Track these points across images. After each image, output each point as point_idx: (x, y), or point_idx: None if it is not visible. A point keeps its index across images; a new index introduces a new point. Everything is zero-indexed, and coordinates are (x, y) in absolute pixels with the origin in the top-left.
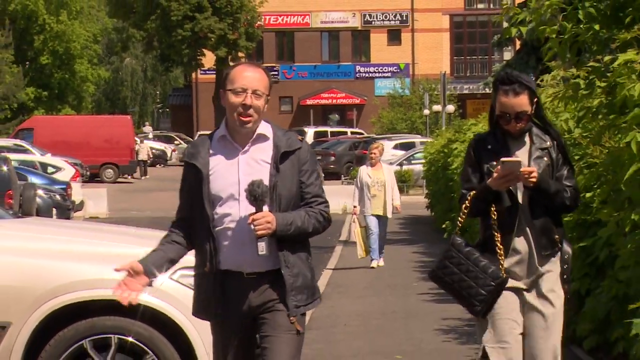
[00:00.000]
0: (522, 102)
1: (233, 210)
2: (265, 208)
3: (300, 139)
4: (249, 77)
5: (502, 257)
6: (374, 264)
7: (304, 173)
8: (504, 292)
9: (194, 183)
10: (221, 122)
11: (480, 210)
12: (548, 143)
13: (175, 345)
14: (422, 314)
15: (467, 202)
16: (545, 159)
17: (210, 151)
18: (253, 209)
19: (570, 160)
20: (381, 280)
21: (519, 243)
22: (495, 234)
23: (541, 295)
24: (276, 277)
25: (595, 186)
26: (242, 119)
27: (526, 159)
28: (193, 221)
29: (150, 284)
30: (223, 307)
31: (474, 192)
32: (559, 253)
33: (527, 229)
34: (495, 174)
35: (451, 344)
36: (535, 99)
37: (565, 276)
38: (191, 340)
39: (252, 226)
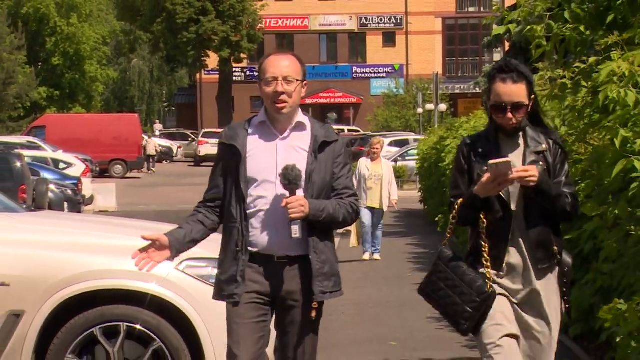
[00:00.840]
0: (519, 91)
1: (268, 193)
2: (299, 192)
3: (338, 132)
4: (278, 65)
5: (489, 270)
6: (365, 256)
7: (337, 165)
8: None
9: (231, 164)
10: (260, 110)
11: (469, 219)
12: (544, 146)
13: (182, 332)
14: (415, 303)
15: (454, 211)
16: (541, 163)
17: (249, 135)
18: (287, 194)
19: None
20: (376, 271)
21: (513, 255)
22: (483, 243)
23: (538, 315)
24: (305, 263)
25: (580, 181)
26: (277, 105)
27: (519, 162)
28: (223, 202)
29: (171, 259)
30: (245, 289)
31: (461, 200)
32: (557, 266)
33: (521, 239)
34: (483, 179)
35: (443, 331)
36: (533, 96)
37: (564, 291)
38: (196, 328)
39: (286, 209)
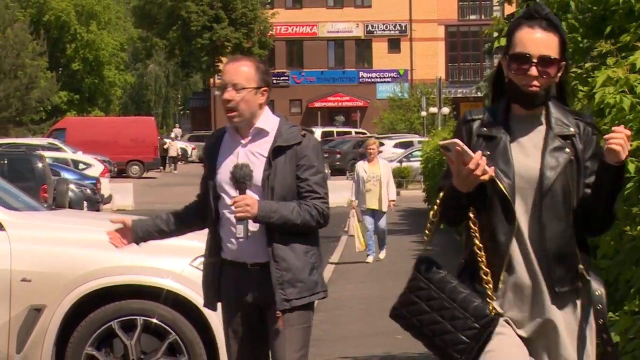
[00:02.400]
0: (550, 42)
1: (230, 200)
2: (249, 192)
3: (303, 134)
4: (228, 72)
5: (490, 285)
6: (369, 259)
7: (299, 168)
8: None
9: (207, 174)
10: None
11: (452, 219)
12: (572, 129)
13: (196, 326)
14: None
15: (435, 206)
16: (568, 150)
17: (223, 142)
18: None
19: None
20: (382, 268)
21: (519, 272)
22: (478, 252)
23: (557, 356)
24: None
25: None
26: (228, 114)
27: (539, 149)
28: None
29: (132, 241)
30: (227, 297)
31: (442, 193)
32: (581, 291)
33: (532, 252)
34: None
35: None
36: (564, 62)
37: (601, 323)
38: (210, 322)
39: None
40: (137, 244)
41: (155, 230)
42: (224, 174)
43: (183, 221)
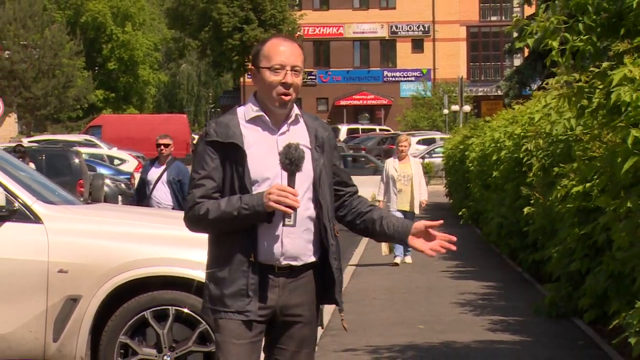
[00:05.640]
0: None
1: None
2: (299, 176)
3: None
4: (286, 53)
5: None
6: (397, 260)
7: (336, 158)
8: None
9: (229, 164)
10: (247, 101)
11: None
12: None
13: None
14: (441, 289)
15: None
16: None
17: (243, 131)
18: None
19: None
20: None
21: None
22: None
23: None
24: (317, 271)
25: (595, 177)
26: (284, 98)
27: None
28: None
29: None
30: (256, 304)
31: None
32: None
33: None
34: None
35: (467, 315)
36: None
37: None
38: None
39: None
40: None
41: None
42: (267, 168)
43: None
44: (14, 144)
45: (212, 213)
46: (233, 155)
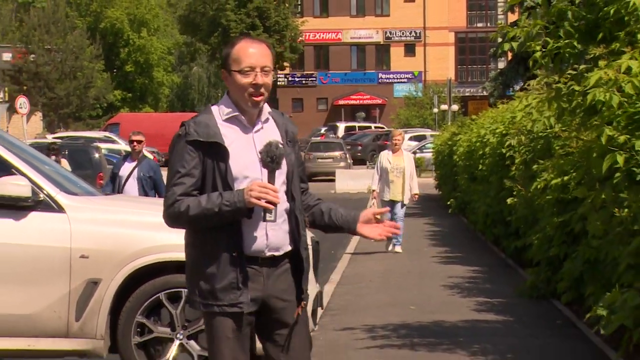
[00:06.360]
0: None
1: None
2: (278, 173)
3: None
4: (255, 54)
5: None
6: (397, 248)
7: (298, 151)
8: None
9: (212, 162)
10: (220, 101)
11: None
12: None
13: None
14: (431, 273)
15: None
16: None
17: (221, 130)
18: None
19: None
20: None
21: None
22: None
23: None
24: (293, 260)
25: (572, 170)
26: (255, 99)
27: None
28: None
29: None
30: (247, 296)
31: None
32: None
33: None
34: None
35: (455, 297)
36: None
37: None
38: None
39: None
40: None
41: None
42: (247, 165)
43: None
44: (40, 140)
45: (193, 210)
46: (214, 153)
